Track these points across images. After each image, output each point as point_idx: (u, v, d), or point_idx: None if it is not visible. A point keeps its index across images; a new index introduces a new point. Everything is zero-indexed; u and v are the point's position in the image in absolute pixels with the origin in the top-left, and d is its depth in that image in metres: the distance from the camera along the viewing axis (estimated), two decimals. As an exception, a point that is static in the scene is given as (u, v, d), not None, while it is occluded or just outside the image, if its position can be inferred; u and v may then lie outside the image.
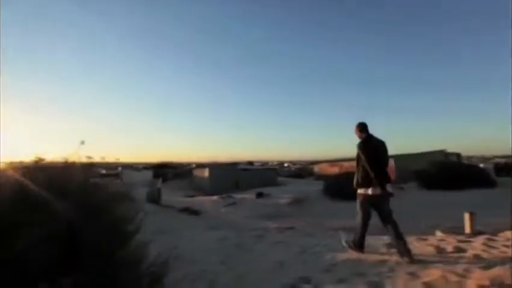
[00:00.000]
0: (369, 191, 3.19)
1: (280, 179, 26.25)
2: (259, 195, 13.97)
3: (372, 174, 3.09)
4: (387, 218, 3.14)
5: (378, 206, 3.22)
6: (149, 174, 33.53)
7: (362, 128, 3.51)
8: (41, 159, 2.14)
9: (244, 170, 21.27)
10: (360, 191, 3.35)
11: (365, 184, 3.24)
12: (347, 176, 14.94)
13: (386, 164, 3.41)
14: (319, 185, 21.32)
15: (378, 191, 3.12)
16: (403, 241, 2.94)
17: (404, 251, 2.85)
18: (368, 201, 3.25)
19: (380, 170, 3.14)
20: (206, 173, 20.64)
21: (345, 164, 28.33)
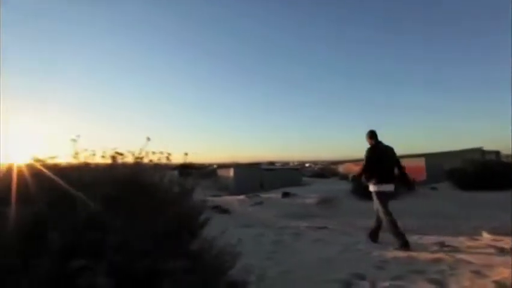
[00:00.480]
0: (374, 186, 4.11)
1: (304, 179, 26.03)
2: (286, 194, 13.96)
3: (364, 174, 4.20)
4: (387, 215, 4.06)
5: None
6: (173, 175, 34.55)
7: (372, 135, 4.18)
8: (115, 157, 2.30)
9: (268, 170, 21.32)
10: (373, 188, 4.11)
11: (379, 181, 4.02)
12: None
13: (393, 167, 4.12)
14: (345, 185, 20.87)
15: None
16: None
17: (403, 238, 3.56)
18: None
19: (377, 172, 3.95)
20: (231, 173, 20.95)
21: (371, 163, 27.59)
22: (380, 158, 4.02)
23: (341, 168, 32.48)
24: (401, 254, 3.19)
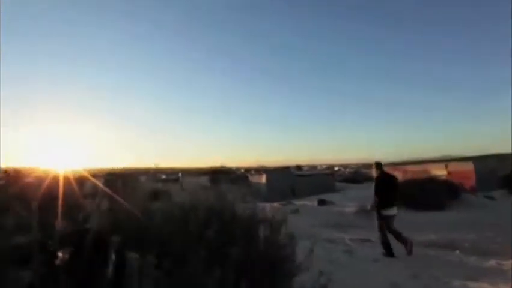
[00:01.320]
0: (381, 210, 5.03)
1: (335, 183, 25.20)
2: (322, 202, 13.61)
3: (375, 200, 5.07)
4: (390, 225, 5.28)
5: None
6: (205, 180, 35.52)
7: (377, 166, 5.42)
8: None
9: (301, 176, 21.00)
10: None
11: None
12: (417, 184, 13.50)
13: (394, 193, 5.24)
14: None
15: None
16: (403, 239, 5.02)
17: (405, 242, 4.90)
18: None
19: (384, 198, 4.97)
20: (263, 179, 20.99)
21: (409, 167, 25.86)
22: (384, 186, 5.08)
23: (375, 173, 30.95)
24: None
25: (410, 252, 4.88)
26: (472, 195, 13.81)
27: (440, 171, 22.47)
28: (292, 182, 20.76)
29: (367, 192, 18.26)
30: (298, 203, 15.12)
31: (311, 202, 14.95)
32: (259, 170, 49.30)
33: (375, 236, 8.57)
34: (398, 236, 5.02)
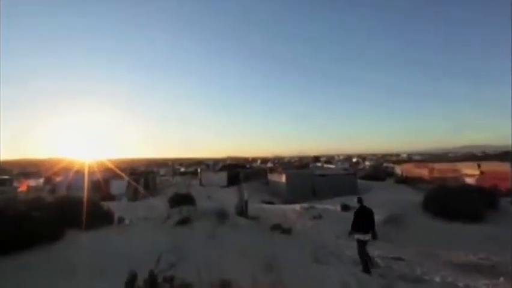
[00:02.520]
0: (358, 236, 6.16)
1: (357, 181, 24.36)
2: (345, 208, 13.22)
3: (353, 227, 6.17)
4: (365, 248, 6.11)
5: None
6: (224, 176, 35.84)
7: (358, 200, 6.76)
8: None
9: (322, 175, 20.49)
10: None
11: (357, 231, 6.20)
12: (450, 190, 12.45)
13: (372, 223, 6.26)
14: (410, 194, 18.89)
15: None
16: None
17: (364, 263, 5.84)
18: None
19: (360, 226, 6.10)
20: (283, 178, 20.70)
21: (437, 165, 24.52)
22: (361, 217, 6.27)
23: (399, 170, 29.74)
24: None
25: (365, 269, 5.88)
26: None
27: (471, 171, 21.13)
28: (312, 182, 20.32)
29: (392, 195, 17.54)
30: (320, 206, 14.79)
31: (334, 206, 14.58)
32: (276, 166, 49.02)
33: (407, 252, 8.17)
34: (364, 256, 6.07)
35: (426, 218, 11.09)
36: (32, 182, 23.84)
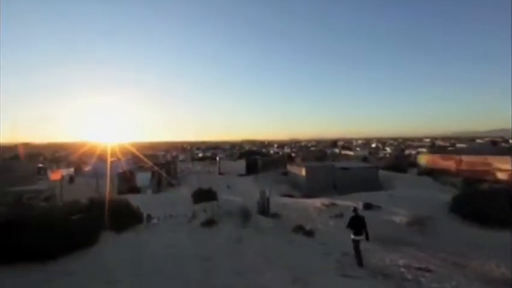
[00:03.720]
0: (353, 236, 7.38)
1: (379, 173, 23.71)
2: (368, 206, 13.03)
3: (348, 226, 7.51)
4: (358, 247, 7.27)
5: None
6: (242, 164, 36.25)
7: (354, 210, 7.68)
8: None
9: (343, 169, 20.16)
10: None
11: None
12: (484, 193, 11.69)
13: (364, 227, 7.41)
14: (436, 190, 18.18)
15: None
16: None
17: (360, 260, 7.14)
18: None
19: (354, 229, 7.38)
20: (303, 171, 20.62)
21: (465, 158, 23.29)
22: (355, 222, 7.46)
23: (423, 160, 28.65)
24: None
25: (359, 262, 7.18)
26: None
27: (504, 165, 19.87)
28: (333, 176, 20.08)
29: (416, 192, 16.97)
30: (341, 203, 14.67)
31: (355, 203, 14.39)
32: (295, 156, 48.79)
33: (434, 261, 8.00)
34: (358, 251, 7.29)
35: (455, 221, 10.71)
36: (64, 171, 25.42)
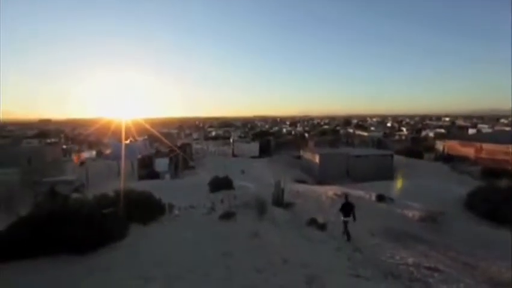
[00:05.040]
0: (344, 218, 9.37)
1: (393, 159, 23.47)
2: (380, 198, 13.23)
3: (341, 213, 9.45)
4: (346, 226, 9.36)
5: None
6: (255, 146, 36.69)
7: (345, 197, 9.97)
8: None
9: (357, 156, 20.14)
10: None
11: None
12: (501, 187, 11.40)
13: (352, 212, 9.28)
14: (453, 181, 17.89)
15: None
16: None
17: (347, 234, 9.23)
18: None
19: (343, 211, 9.36)
20: (316, 158, 20.79)
21: (486, 146, 22.53)
22: (346, 207, 9.31)
23: (441, 146, 27.97)
24: None
25: (348, 238, 9.20)
26: None
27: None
28: (347, 163, 20.16)
29: (432, 183, 16.79)
30: (354, 193, 14.91)
31: (368, 194, 14.62)
32: (308, 140, 48.55)
33: (443, 260, 8.27)
34: (346, 231, 9.30)
35: (469, 219, 10.79)
36: (86, 154, 26.78)
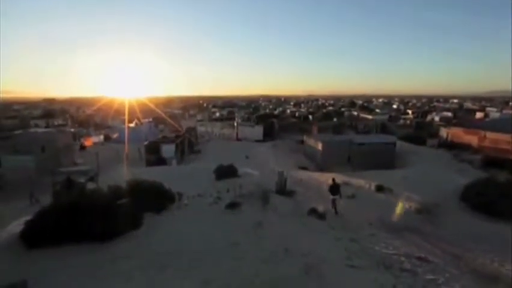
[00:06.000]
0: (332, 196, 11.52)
1: (396, 145, 23.68)
2: (379, 189, 13.76)
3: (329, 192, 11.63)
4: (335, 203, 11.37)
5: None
6: (259, 130, 37.01)
7: (333, 180, 11.81)
8: None
9: (359, 144, 20.50)
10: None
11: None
12: (497, 181, 11.68)
13: (339, 192, 11.58)
14: (452, 170, 18.22)
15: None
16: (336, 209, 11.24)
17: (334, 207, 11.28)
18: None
19: (331, 191, 11.55)
20: (319, 146, 21.20)
21: (489, 134, 22.58)
22: (334, 188, 11.36)
23: (445, 133, 28.04)
24: None
25: (335, 212, 11.22)
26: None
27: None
28: (349, 150, 20.59)
29: (431, 173, 17.19)
30: (355, 182, 15.46)
31: (368, 183, 15.14)
32: (312, 126, 48.51)
33: (434, 251, 8.87)
34: (334, 205, 11.31)
35: (463, 211, 11.28)
36: (94, 139, 27.50)
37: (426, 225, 10.56)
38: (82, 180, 11.57)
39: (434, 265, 7.93)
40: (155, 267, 6.45)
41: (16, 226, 8.43)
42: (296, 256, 7.57)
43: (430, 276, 7.26)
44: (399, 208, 11.21)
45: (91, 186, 11.07)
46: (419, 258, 8.36)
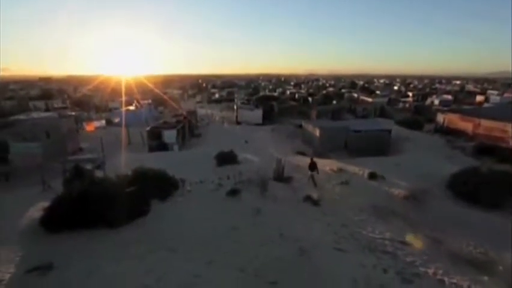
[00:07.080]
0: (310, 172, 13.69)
1: (392, 130, 24.17)
2: (372, 176, 14.46)
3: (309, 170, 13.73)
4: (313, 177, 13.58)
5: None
6: (259, 113, 37.20)
7: (311, 159, 14.48)
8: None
9: (356, 131, 21.15)
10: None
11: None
12: (482, 171, 12.46)
13: (316, 168, 13.77)
14: (444, 157, 18.86)
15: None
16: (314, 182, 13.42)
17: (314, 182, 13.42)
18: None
19: (310, 168, 13.70)
20: (317, 132, 21.80)
21: (484, 122, 23.00)
22: (312, 165, 13.68)
23: (441, 118, 28.44)
24: None
25: (314, 185, 13.29)
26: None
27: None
28: (346, 137, 21.25)
29: (423, 160, 17.87)
30: (350, 168, 16.13)
31: (362, 170, 15.81)
32: (312, 109, 48.57)
33: (416, 236, 9.66)
34: (313, 180, 13.43)
35: (448, 199, 12.04)
36: (97, 123, 27.87)
37: (412, 211, 11.33)
38: (89, 167, 12.19)
39: (414, 248, 8.77)
40: (164, 250, 7.22)
41: (34, 212, 9.17)
42: (290, 240, 8.35)
43: (410, 259, 8.11)
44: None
45: (98, 174, 11.68)
46: (402, 242, 9.19)
